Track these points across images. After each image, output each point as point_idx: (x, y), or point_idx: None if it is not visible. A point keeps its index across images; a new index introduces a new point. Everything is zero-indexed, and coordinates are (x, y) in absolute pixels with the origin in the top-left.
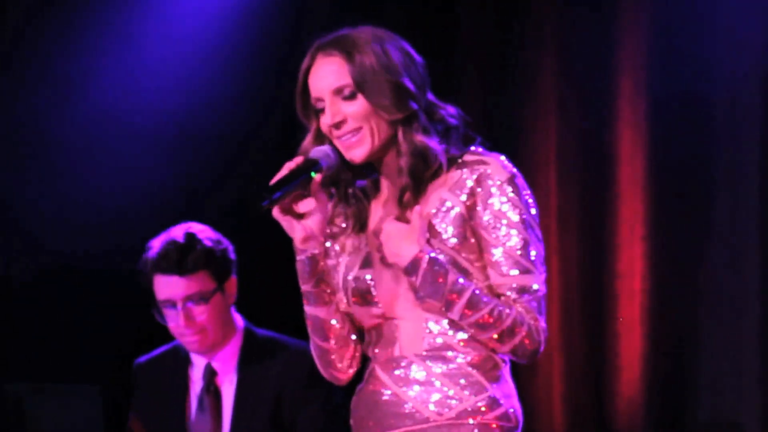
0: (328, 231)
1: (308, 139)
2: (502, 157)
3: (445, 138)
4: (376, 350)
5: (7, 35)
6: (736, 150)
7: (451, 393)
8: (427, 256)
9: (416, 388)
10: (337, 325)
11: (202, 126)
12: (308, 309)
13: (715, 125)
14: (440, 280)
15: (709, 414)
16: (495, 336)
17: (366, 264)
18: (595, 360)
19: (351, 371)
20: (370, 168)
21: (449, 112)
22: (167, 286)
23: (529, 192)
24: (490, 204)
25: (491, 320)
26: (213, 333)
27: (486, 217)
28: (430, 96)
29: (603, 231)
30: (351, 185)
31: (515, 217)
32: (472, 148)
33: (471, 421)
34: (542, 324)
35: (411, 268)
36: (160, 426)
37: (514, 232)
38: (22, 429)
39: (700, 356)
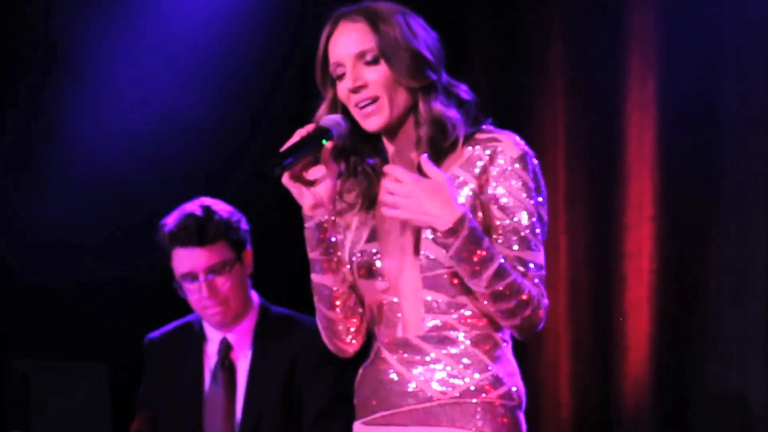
0: (338, 207)
1: (323, 108)
2: (515, 135)
3: (462, 116)
4: (380, 330)
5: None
6: (745, 130)
7: (454, 372)
8: (468, 222)
9: (420, 368)
10: (344, 295)
11: (210, 114)
12: (315, 277)
13: (723, 104)
14: (475, 246)
15: (716, 394)
16: (510, 308)
17: (372, 237)
18: (602, 340)
19: (356, 344)
20: (381, 145)
21: (463, 90)
22: (188, 259)
23: (539, 171)
24: (501, 180)
25: (510, 292)
26: (235, 303)
27: (496, 193)
28: (444, 74)
29: (611, 211)
30: (361, 161)
31: (524, 195)
32: (484, 126)
33: (474, 400)
34: (545, 300)
35: (451, 231)
36: (176, 401)
37: (522, 209)
38: (28, 406)
39: (707, 336)
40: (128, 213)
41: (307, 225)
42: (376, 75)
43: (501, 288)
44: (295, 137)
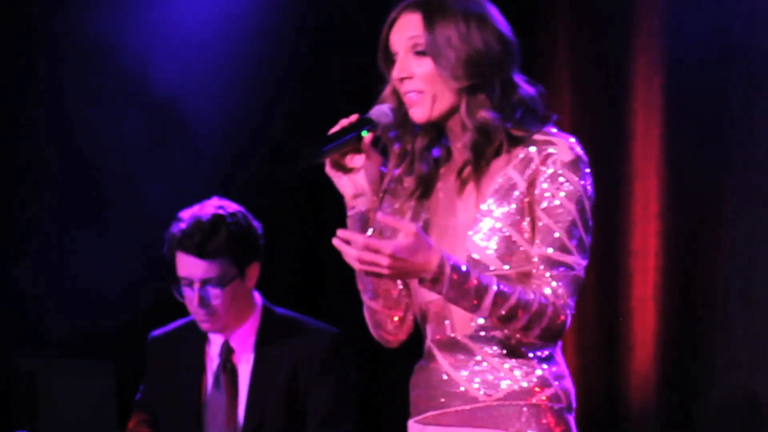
0: (396, 192)
1: (387, 90)
2: (572, 139)
3: (520, 118)
4: (430, 328)
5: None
6: (752, 126)
7: (500, 374)
8: (448, 264)
9: (467, 368)
10: (387, 285)
11: (219, 107)
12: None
13: (730, 102)
14: (464, 283)
15: (722, 392)
16: (522, 325)
17: (424, 231)
18: (608, 337)
19: (401, 335)
20: (443, 135)
21: (529, 92)
22: (187, 265)
23: (590, 179)
24: (548, 183)
25: (516, 312)
26: (225, 316)
27: (542, 196)
28: (516, 75)
29: (617, 208)
30: (426, 148)
31: (569, 200)
32: (545, 128)
33: (521, 402)
34: (569, 301)
35: (435, 280)
36: (176, 401)
37: (564, 213)
38: (35, 405)
39: (713, 334)
40: (133, 212)
41: (349, 214)
42: (422, 69)
43: (504, 312)
44: (337, 126)
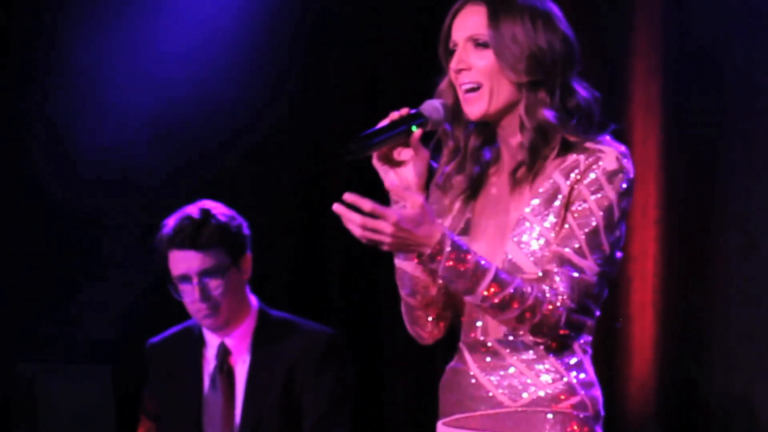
0: (445, 186)
1: (443, 83)
2: (623, 149)
3: (576, 123)
4: (463, 330)
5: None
6: (752, 133)
7: (528, 380)
8: (448, 242)
9: (495, 372)
10: (425, 282)
11: (219, 107)
12: (397, 262)
13: (730, 108)
14: (461, 263)
15: (722, 398)
16: (513, 317)
17: (465, 231)
18: (607, 343)
19: (436, 333)
20: (495, 136)
21: (586, 97)
22: (183, 261)
23: (629, 193)
24: (585, 188)
25: (510, 302)
26: (227, 309)
27: (576, 197)
28: (574, 79)
29: None
30: (478, 147)
31: (598, 206)
32: (598, 137)
33: (546, 409)
34: (568, 302)
35: (433, 256)
36: (175, 405)
37: (592, 220)
38: (33, 410)
39: (712, 338)
40: (133, 214)
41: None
42: (482, 61)
43: (497, 301)
44: (386, 120)
